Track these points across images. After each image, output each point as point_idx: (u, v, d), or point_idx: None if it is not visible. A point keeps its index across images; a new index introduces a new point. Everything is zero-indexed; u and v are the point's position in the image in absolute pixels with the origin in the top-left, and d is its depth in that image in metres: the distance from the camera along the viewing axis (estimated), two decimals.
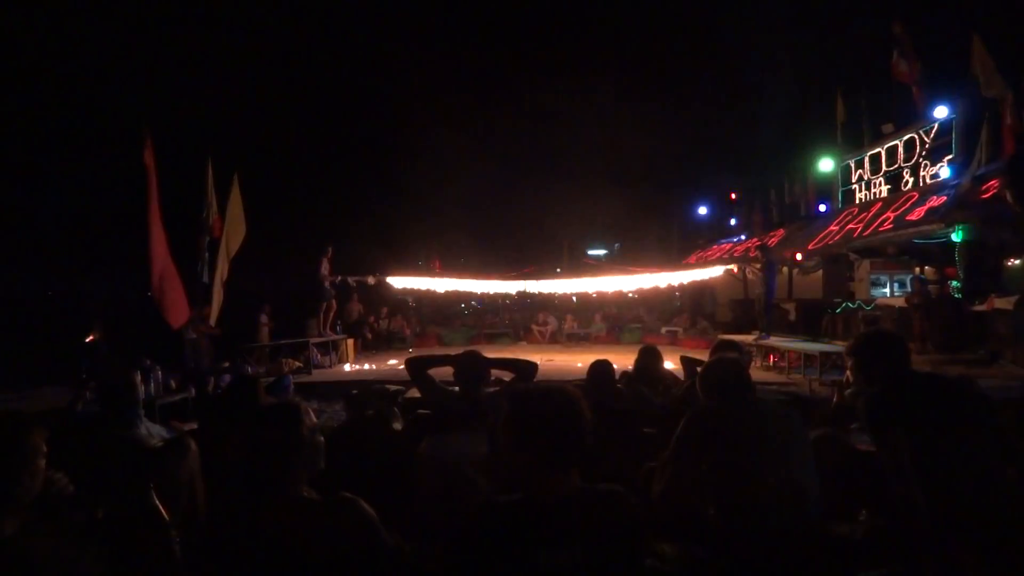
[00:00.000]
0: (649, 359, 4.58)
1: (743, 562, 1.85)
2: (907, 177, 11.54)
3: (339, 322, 12.38)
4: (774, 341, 9.84)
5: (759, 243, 13.86)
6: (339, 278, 11.27)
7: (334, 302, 11.50)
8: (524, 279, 13.81)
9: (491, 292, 13.67)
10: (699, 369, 2.52)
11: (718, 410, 2.22)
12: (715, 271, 12.40)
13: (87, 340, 8.74)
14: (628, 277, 12.02)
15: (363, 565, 1.53)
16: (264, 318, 12.18)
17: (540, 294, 15.08)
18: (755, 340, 10.01)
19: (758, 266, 11.00)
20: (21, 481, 1.49)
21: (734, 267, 13.33)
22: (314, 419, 1.72)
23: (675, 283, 11.71)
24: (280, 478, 1.59)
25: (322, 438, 1.73)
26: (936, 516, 1.87)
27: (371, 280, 11.89)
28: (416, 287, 11.76)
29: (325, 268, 11.09)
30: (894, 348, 2.35)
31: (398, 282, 12.04)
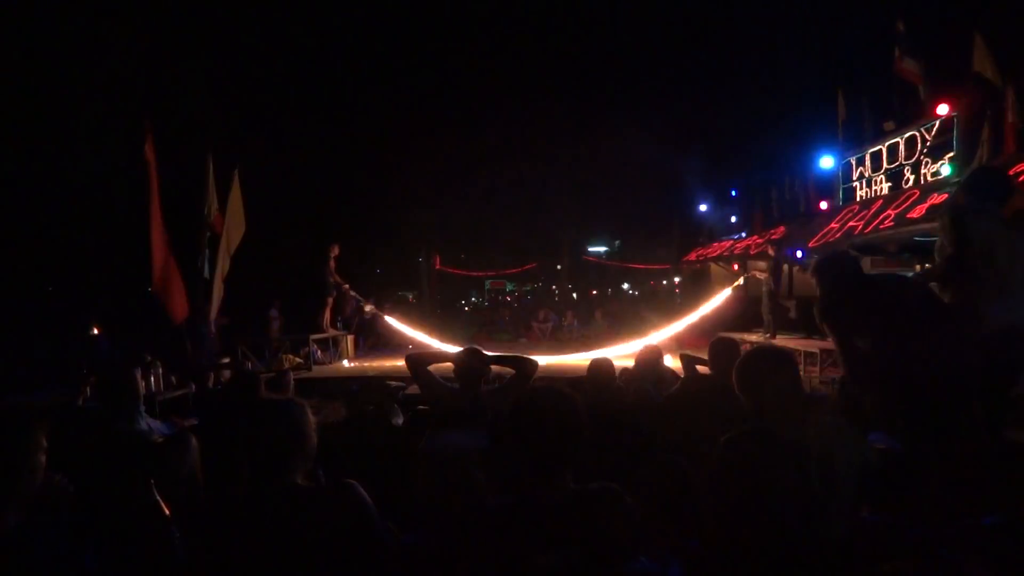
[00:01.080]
0: (649, 358, 4.58)
1: (743, 560, 1.85)
2: (908, 175, 11.52)
3: (338, 319, 12.41)
4: (778, 340, 9.85)
5: (763, 240, 13.86)
6: (346, 286, 11.31)
7: (333, 299, 11.53)
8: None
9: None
10: (740, 355, 2.03)
11: (752, 439, 1.82)
12: (724, 294, 12.38)
13: (88, 335, 8.75)
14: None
15: (360, 548, 1.54)
16: (275, 313, 12.25)
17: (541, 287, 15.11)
18: (758, 339, 10.02)
19: (763, 264, 10.98)
20: (22, 476, 1.49)
21: (741, 280, 13.36)
22: (311, 418, 1.73)
23: (694, 319, 11.39)
24: (279, 471, 1.60)
25: (315, 439, 1.73)
26: (888, 394, 2.04)
27: (367, 309, 11.87)
28: (410, 334, 11.64)
29: (331, 266, 11.13)
30: (843, 262, 3.15)
31: (392, 320, 11.96)
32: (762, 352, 2.02)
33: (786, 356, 2.03)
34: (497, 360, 3.69)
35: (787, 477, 1.75)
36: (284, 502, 1.55)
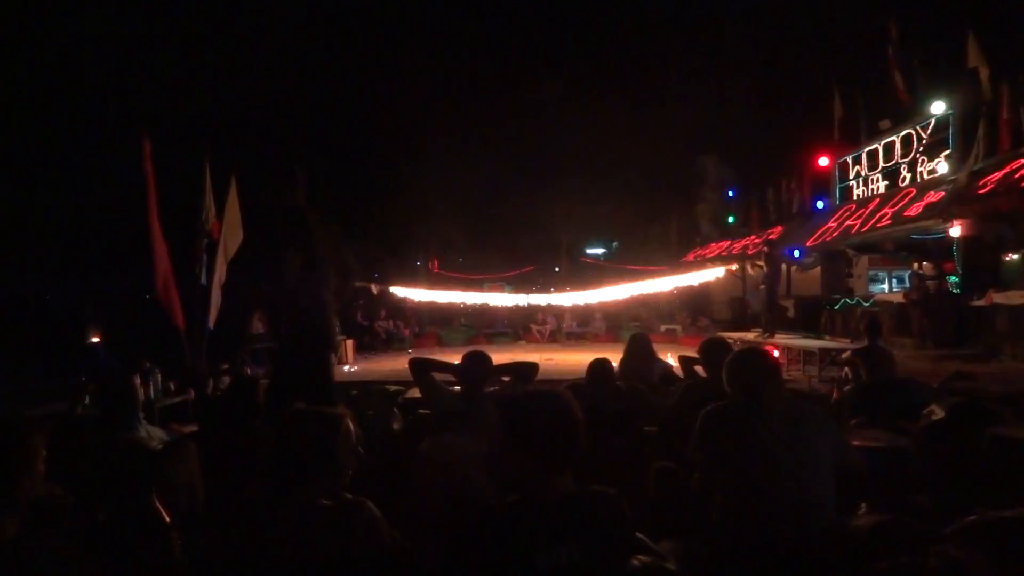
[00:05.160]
0: (636, 347, 4.54)
1: (743, 559, 1.85)
2: (904, 173, 11.55)
3: (338, 323, 12.42)
4: (777, 339, 9.85)
5: (760, 239, 13.86)
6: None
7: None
8: (523, 291, 14.30)
9: (491, 304, 14.18)
10: (727, 358, 2.24)
11: (733, 412, 2.05)
12: (717, 271, 12.45)
13: (86, 342, 8.71)
14: (628, 285, 12.01)
15: (370, 566, 1.54)
16: None
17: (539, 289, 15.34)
18: (756, 338, 10.02)
19: (760, 263, 10.99)
20: (21, 484, 1.49)
21: (734, 266, 13.37)
22: (351, 429, 1.71)
23: (676, 286, 11.72)
24: (302, 484, 1.59)
25: (358, 450, 1.71)
26: None
27: (374, 289, 11.98)
28: (418, 298, 11.96)
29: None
30: None
31: (400, 291, 12.21)
32: (748, 352, 2.27)
33: (769, 357, 2.28)
34: (498, 369, 3.69)
35: (762, 441, 1.93)
36: (297, 519, 1.54)
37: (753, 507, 1.89)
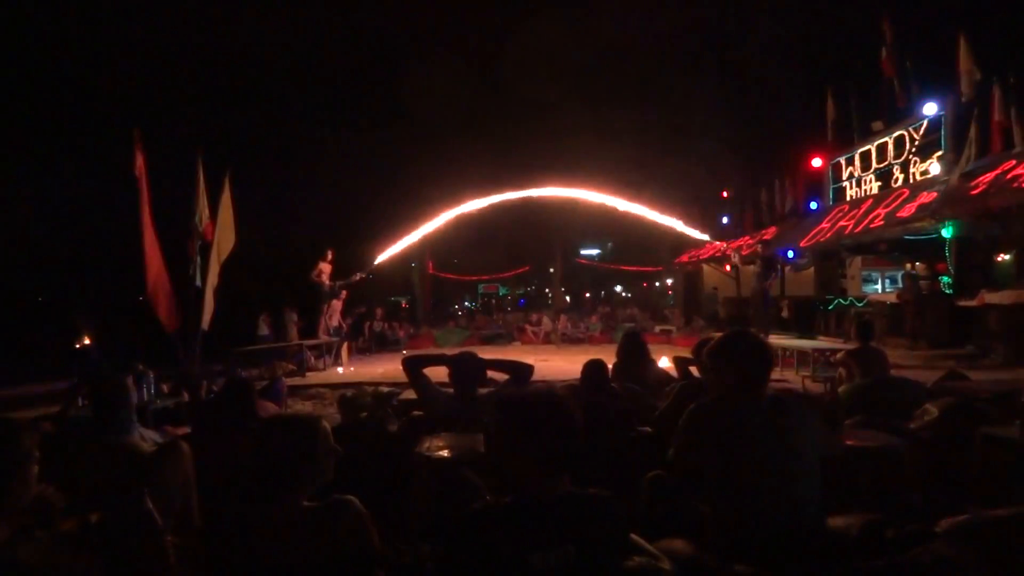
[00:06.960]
0: (629, 346, 4.53)
1: (737, 558, 1.86)
2: (897, 174, 11.62)
3: (331, 327, 12.41)
4: (771, 339, 9.86)
5: (754, 240, 13.90)
6: (335, 285, 11.29)
7: (336, 303, 11.54)
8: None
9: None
10: (717, 338, 2.20)
11: (721, 407, 2.03)
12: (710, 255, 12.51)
13: (78, 345, 8.67)
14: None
15: (357, 565, 1.54)
16: (295, 317, 12.33)
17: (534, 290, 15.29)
18: None
19: (753, 265, 11.03)
20: (12, 487, 1.48)
21: (732, 256, 13.39)
22: (328, 430, 1.71)
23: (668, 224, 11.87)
24: (284, 490, 1.59)
25: (335, 449, 1.72)
26: None
27: (356, 277, 11.95)
28: (401, 247, 11.80)
29: (325, 271, 11.13)
30: None
31: (385, 256, 12.10)
32: (740, 333, 2.17)
33: (759, 338, 2.20)
34: (492, 364, 3.68)
35: (750, 434, 1.91)
36: (283, 524, 1.54)
37: (743, 502, 1.88)
